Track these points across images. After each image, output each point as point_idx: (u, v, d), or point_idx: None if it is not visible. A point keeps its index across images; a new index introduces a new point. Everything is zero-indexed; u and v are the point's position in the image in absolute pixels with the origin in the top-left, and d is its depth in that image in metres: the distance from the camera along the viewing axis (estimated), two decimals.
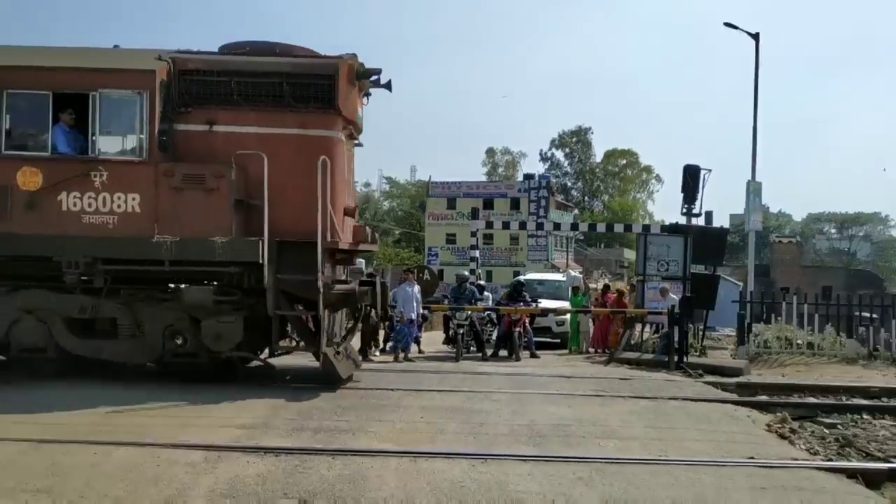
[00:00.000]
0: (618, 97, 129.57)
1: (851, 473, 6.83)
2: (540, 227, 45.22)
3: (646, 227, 19.62)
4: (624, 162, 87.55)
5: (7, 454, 6.60)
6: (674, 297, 15.11)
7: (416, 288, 14.56)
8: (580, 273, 37.34)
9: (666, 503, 5.82)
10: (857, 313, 17.92)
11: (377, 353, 14.42)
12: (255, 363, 10.88)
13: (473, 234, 21.44)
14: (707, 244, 16.58)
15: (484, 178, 75.80)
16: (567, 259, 58.70)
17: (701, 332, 16.56)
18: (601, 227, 37.14)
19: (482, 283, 18.71)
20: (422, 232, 65.17)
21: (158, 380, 10.07)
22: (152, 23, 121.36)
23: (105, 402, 8.49)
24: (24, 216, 9.46)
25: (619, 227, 33.31)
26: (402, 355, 14.00)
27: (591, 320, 17.88)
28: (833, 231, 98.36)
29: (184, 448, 6.83)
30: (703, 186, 16.91)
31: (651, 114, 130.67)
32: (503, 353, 15.47)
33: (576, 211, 74.20)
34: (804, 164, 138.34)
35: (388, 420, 8.25)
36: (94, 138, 9.58)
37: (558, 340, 18.62)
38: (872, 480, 6.76)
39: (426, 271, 16.85)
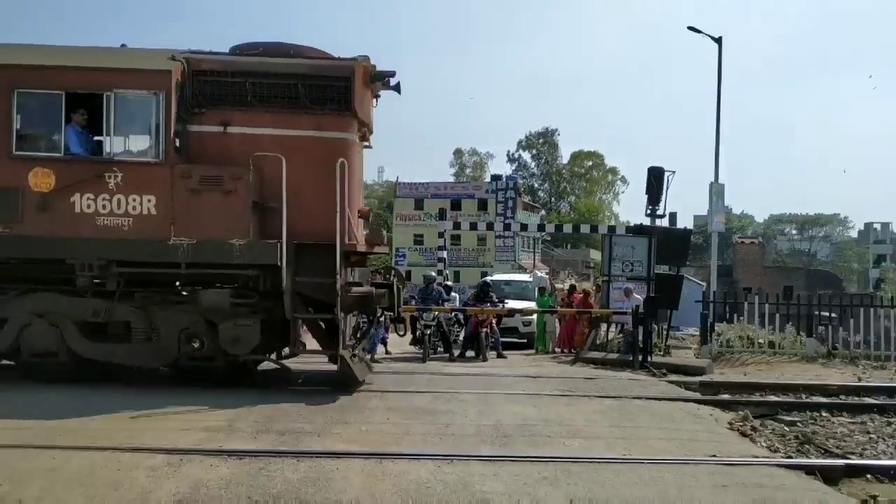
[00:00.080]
0: (584, 99, 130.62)
1: (810, 470, 6.96)
2: (507, 227, 45.30)
3: (611, 229, 19.78)
4: (590, 163, 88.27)
5: None
6: (638, 297, 15.26)
7: None
8: (547, 273, 37.52)
9: (629, 502, 5.87)
10: (817, 313, 18.26)
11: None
12: (269, 366, 10.80)
13: (441, 235, 21.44)
14: (671, 245, 16.78)
15: (451, 179, 75.86)
16: (534, 260, 58.98)
17: (665, 332, 16.76)
18: (568, 228, 37.48)
19: (449, 283, 18.71)
20: (390, 233, 65.04)
21: (170, 383, 10.03)
22: (138, 22, 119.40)
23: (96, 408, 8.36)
24: (36, 218, 9.31)
25: (585, 228, 33.63)
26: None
27: (557, 320, 17.99)
28: (794, 232, 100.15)
29: (145, 452, 6.73)
30: (667, 188, 17.11)
31: (617, 116, 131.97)
32: (470, 353, 15.51)
33: (543, 212, 74.65)
34: (767, 167, 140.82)
35: (354, 422, 8.21)
36: (108, 139, 9.47)
37: (525, 341, 18.71)
38: (830, 477, 6.88)
39: (393, 272, 16.79)
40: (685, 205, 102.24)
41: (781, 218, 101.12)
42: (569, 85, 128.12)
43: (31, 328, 9.58)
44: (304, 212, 9.47)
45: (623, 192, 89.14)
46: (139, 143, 9.85)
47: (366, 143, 11.07)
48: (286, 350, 10.52)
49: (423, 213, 58.05)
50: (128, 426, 7.70)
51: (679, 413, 9.39)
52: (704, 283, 26.36)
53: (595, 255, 62.55)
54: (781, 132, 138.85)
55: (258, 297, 9.65)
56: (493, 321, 15.94)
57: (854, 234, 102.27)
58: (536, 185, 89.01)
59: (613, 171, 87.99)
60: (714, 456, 7.23)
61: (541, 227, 45.12)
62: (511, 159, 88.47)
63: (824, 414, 9.98)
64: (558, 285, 27.51)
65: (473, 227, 34.91)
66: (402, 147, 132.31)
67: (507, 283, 22.09)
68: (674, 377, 12.51)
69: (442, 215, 22.86)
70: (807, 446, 8.32)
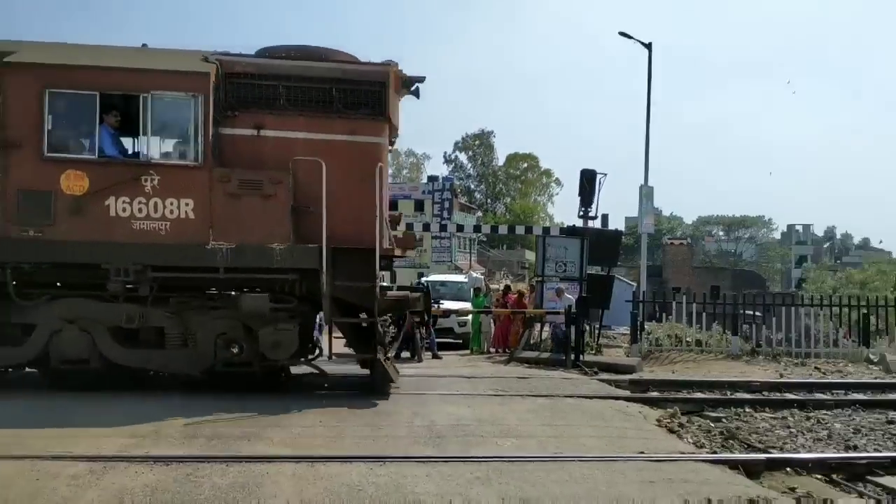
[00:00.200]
0: (519, 102, 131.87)
1: (733, 465, 7.16)
2: (444, 228, 45.29)
3: (545, 230, 20.04)
4: (525, 165, 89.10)
5: None
6: (569, 297, 15.50)
7: None
8: (483, 274, 37.78)
9: (560, 500, 5.95)
10: (742, 312, 18.87)
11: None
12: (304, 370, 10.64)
13: None
14: (602, 246, 17.10)
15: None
16: (470, 260, 59.22)
17: (597, 331, 17.06)
18: (503, 229, 37.82)
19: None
20: None
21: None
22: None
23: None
24: (69, 221, 9.00)
25: (520, 230, 33.97)
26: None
27: (492, 321, 18.13)
28: (721, 233, 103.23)
29: (67, 459, 6.50)
30: (599, 190, 17.39)
31: (551, 119, 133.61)
32: (405, 354, 15.47)
33: (479, 213, 75.01)
34: (695, 169, 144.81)
35: (286, 425, 8.09)
36: (144, 141, 9.24)
37: (460, 341, 18.83)
38: (752, 470, 7.11)
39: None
40: (617, 206, 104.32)
41: (709, 220, 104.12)
42: (505, 88, 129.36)
43: (61, 334, 9.30)
44: (339, 216, 9.40)
45: (557, 194, 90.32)
46: (175, 146, 9.66)
47: (390, 148, 11.09)
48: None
49: None
50: (56, 434, 7.39)
51: (609, 411, 9.56)
52: (635, 283, 26.95)
53: (530, 255, 63.15)
54: (709, 135, 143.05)
55: (297, 301, 9.57)
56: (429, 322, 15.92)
57: (777, 235, 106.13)
58: (473, 187, 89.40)
59: (548, 173, 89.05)
60: (642, 452, 7.38)
61: (477, 228, 45.20)
62: (447, 160, 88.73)
63: (748, 410, 10.31)
64: (493, 286, 27.75)
65: (410, 227, 34.79)
66: None
67: (443, 283, 22.21)
68: (605, 375, 12.76)
69: None
70: (731, 441, 8.57)
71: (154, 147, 9.49)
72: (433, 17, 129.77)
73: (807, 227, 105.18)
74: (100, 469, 6.28)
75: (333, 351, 10.44)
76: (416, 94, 10.47)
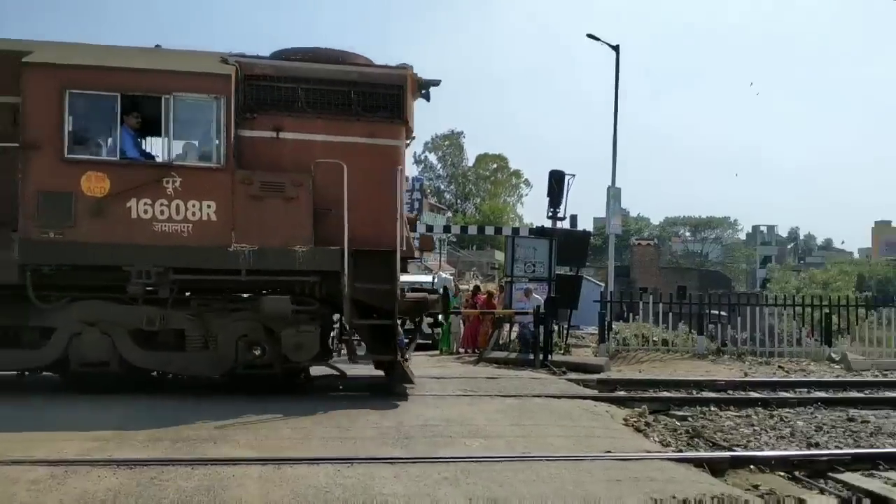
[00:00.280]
0: (489, 103, 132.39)
1: (699, 463, 7.24)
2: (413, 229, 45.49)
3: (515, 230, 20.13)
4: (494, 166, 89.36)
5: None
6: (538, 297, 15.58)
7: None
8: (452, 275, 37.81)
9: (527, 500, 5.96)
10: (708, 312, 19.12)
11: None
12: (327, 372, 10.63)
13: None
14: (571, 246, 17.25)
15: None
16: (440, 261, 59.23)
17: (566, 331, 17.17)
18: (473, 230, 37.88)
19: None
20: None
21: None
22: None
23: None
24: (90, 223, 8.85)
25: (489, 230, 33.96)
26: None
27: (461, 321, 18.14)
28: (688, 234, 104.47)
29: (27, 464, 6.36)
30: (568, 191, 17.58)
31: (521, 120, 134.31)
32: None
33: (449, 213, 75.10)
34: (662, 171, 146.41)
35: (253, 427, 8.01)
36: (165, 143, 9.12)
37: (430, 341, 18.77)
38: (717, 468, 7.20)
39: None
40: (585, 207, 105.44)
41: (676, 220, 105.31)
42: (475, 89, 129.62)
43: (81, 337, 9.17)
44: (359, 218, 9.35)
45: (526, 195, 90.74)
46: (197, 148, 9.53)
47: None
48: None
49: None
50: (17, 438, 7.22)
51: (577, 410, 9.62)
52: (603, 284, 27.18)
53: (500, 256, 63.31)
54: (676, 137, 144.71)
55: (318, 303, 9.53)
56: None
57: (742, 236, 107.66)
58: (442, 187, 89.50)
59: (517, 174, 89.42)
60: (609, 451, 7.43)
61: (447, 229, 45.29)
62: (417, 161, 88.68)
63: (713, 408, 10.45)
64: (463, 286, 27.78)
65: None
66: None
67: (412, 284, 22.11)
68: (573, 375, 12.84)
69: None
70: (696, 440, 8.68)
71: (175, 149, 9.41)
72: (402, 19, 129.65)
73: (771, 227, 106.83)
74: (61, 473, 6.15)
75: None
76: (427, 97, 10.49)
